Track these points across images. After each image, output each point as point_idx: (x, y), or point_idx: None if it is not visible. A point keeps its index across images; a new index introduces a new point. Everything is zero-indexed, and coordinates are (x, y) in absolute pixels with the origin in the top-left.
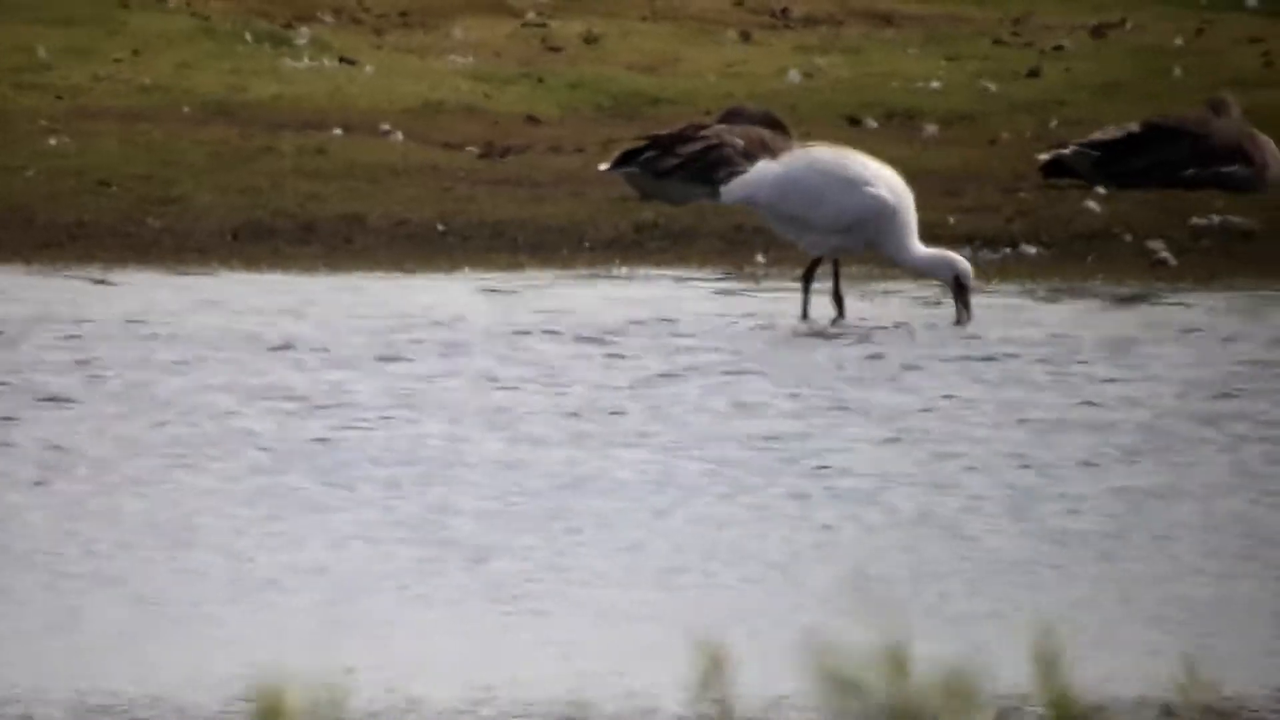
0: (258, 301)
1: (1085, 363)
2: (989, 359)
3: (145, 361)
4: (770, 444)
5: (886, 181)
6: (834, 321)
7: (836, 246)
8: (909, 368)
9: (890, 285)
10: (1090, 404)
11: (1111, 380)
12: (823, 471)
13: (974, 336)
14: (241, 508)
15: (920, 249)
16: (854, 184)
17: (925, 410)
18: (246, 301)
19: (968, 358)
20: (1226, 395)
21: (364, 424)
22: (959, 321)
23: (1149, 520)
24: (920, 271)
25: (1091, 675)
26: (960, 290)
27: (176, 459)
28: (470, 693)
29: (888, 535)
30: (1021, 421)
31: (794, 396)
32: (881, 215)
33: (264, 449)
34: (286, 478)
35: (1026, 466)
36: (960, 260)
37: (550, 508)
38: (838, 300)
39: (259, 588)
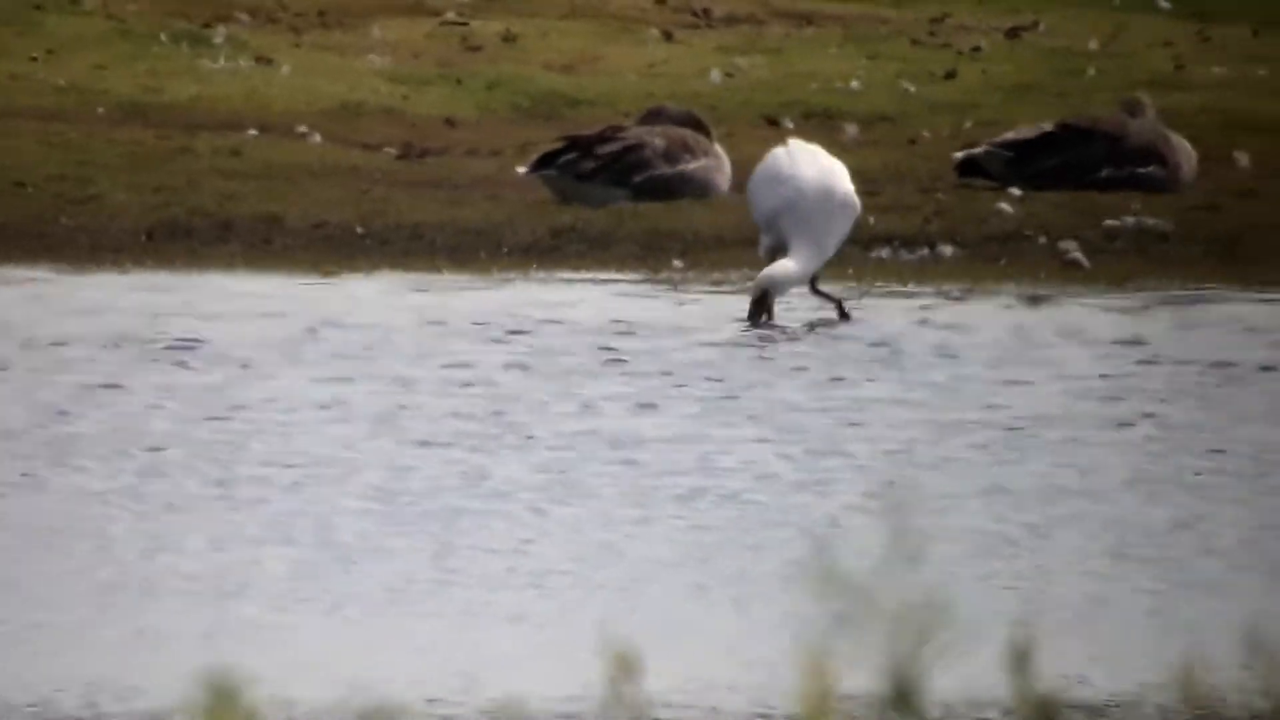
0: (167, 300)
1: (989, 365)
2: (896, 356)
3: (44, 360)
4: (670, 445)
5: (799, 181)
6: (841, 319)
7: (768, 245)
8: (799, 369)
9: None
10: (990, 406)
11: (1013, 382)
12: (717, 471)
13: (882, 342)
14: (122, 508)
15: (828, 253)
16: (769, 184)
17: (821, 410)
18: (155, 300)
19: (870, 358)
20: (1116, 397)
21: (259, 424)
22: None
23: (1025, 518)
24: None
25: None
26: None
27: (58, 459)
28: (347, 693)
29: (768, 534)
30: (912, 422)
31: (696, 399)
32: (789, 216)
33: (155, 449)
34: (174, 479)
35: (916, 466)
36: (771, 276)
37: (435, 509)
38: (826, 296)
39: (137, 590)
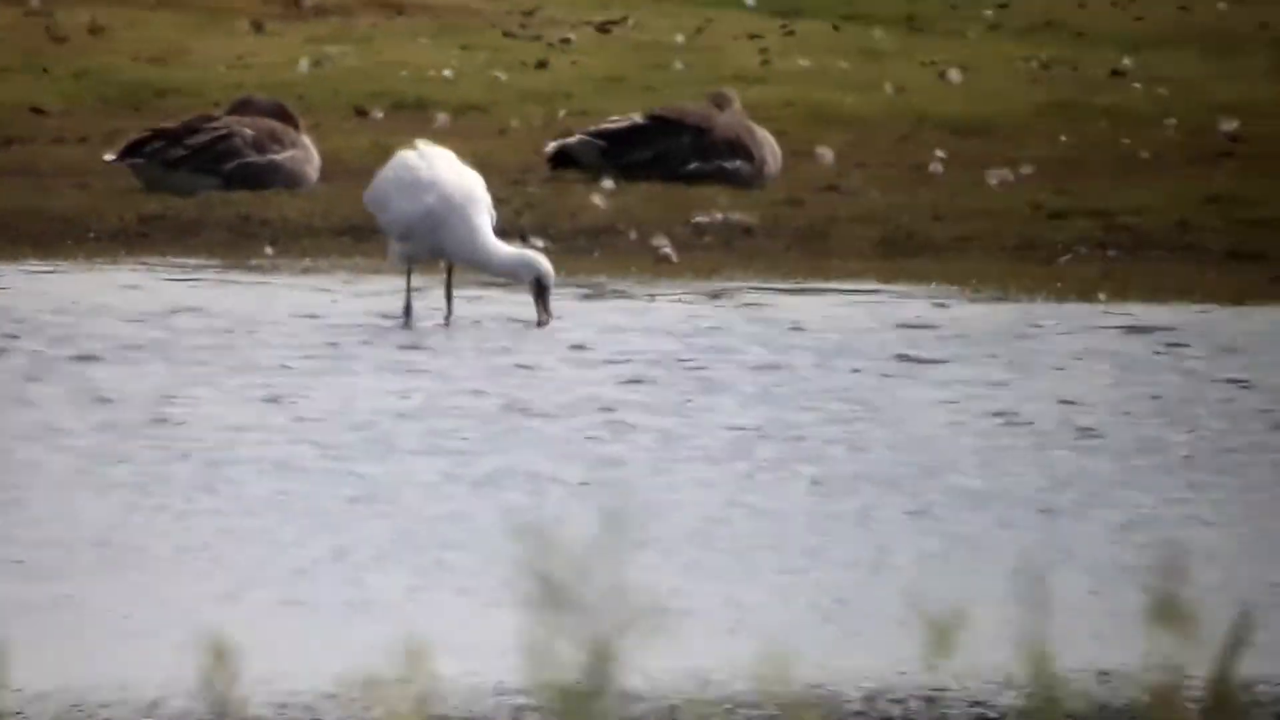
0: None
1: (559, 359)
2: (493, 354)
3: None
4: (236, 434)
5: (443, 186)
6: (445, 320)
7: (404, 253)
8: (401, 363)
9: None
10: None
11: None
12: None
13: (492, 342)
14: None
15: (499, 251)
16: (407, 190)
17: (403, 398)
18: None
19: (474, 350)
20: (646, 381)
21: None
22: (540, 323)
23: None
24: (500, 273)
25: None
26: (540, 291)
27: None
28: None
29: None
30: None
31: (270, 391)
32: (436, 222)
33: None
34: None
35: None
36: (541, 261)
37: None
38: (448, 298)
39: None
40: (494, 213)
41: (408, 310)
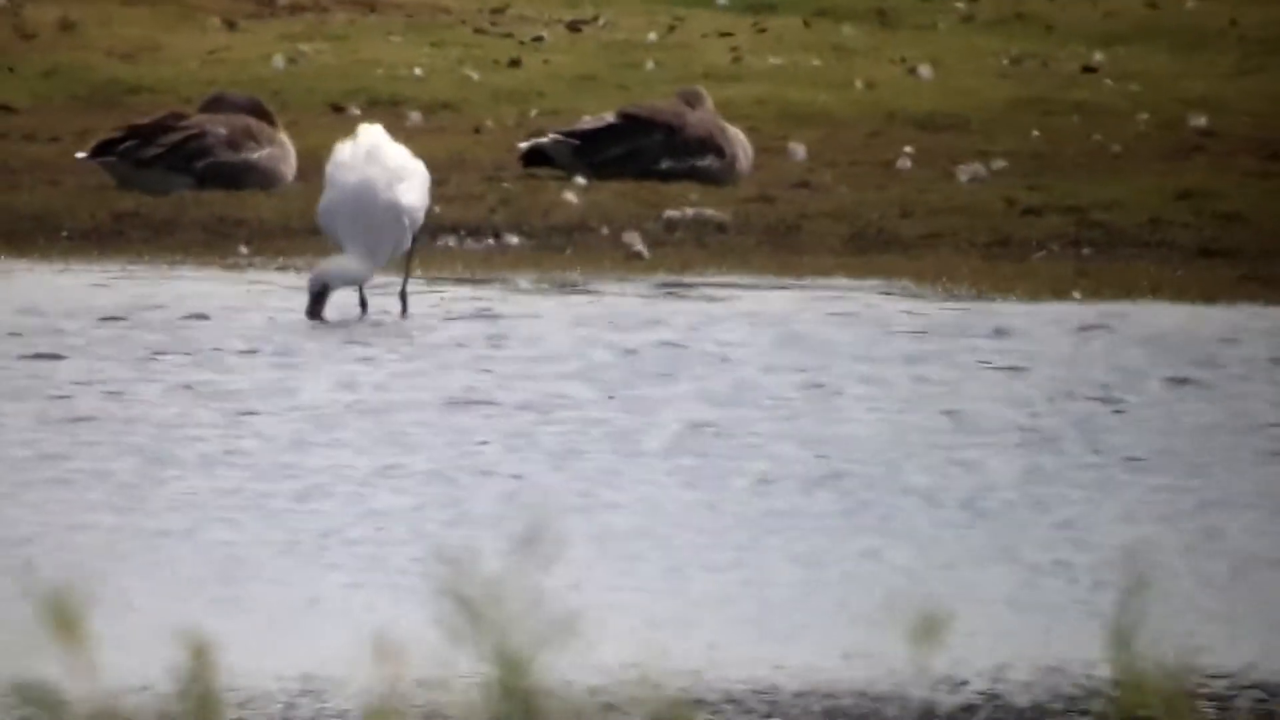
0: None
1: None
2: (435, 349)
3: None
4: (196, 433)
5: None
6: (401, 315)
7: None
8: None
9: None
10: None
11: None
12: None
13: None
14: None
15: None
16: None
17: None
18: None
19: (416, 347)
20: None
21: None
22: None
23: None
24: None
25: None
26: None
27: None
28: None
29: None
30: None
31: (232, 386)
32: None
33: None
34: None
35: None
36: (321, 267)
37: None
38: (402, 297)
39: None
40: (411, 210)
41: (364, 304)
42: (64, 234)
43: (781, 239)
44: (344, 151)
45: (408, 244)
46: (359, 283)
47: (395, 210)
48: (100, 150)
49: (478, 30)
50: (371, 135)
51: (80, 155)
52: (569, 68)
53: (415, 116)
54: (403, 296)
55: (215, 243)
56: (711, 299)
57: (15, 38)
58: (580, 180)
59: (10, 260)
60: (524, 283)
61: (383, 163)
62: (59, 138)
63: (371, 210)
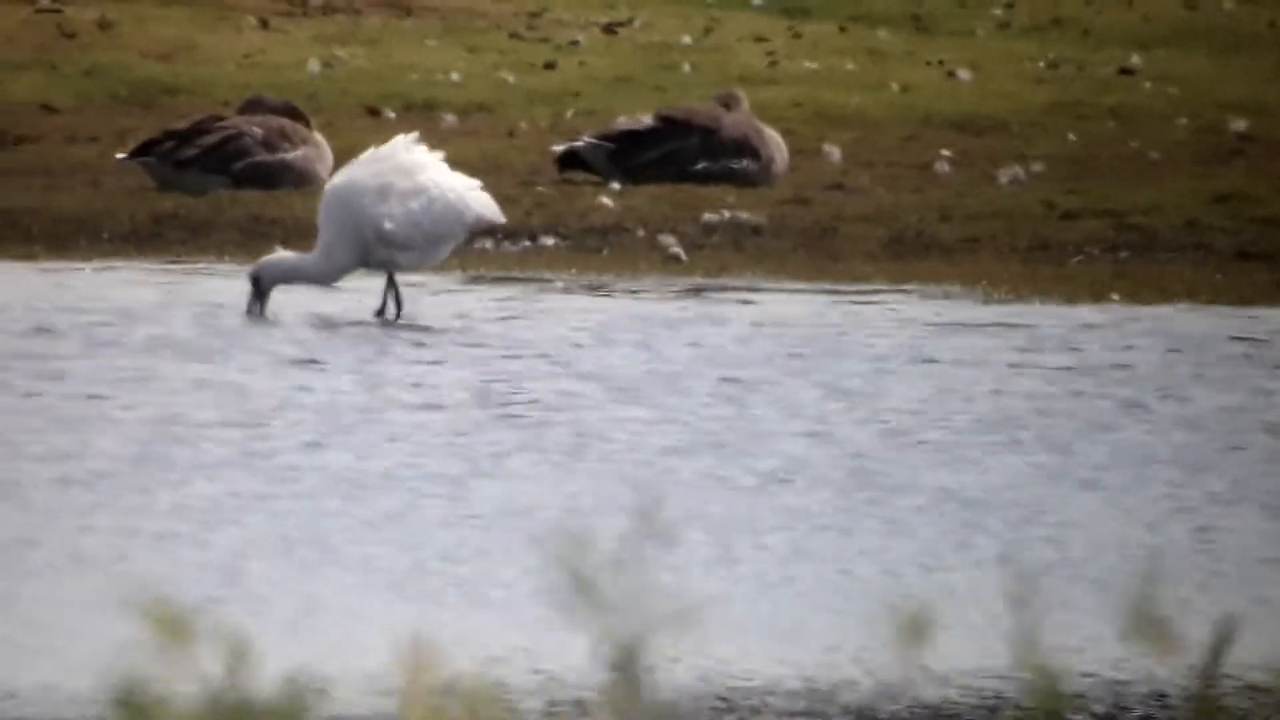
0: None
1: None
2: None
3: None
4: (198, 432)
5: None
6: (394, 317)
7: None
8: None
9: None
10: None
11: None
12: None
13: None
14: None
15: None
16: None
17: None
18: None
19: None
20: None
21: None
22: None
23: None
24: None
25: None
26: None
27: None
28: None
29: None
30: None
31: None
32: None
33: None
34: None
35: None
36: (260, 262)
37: None
38: (395, 295)
39: None
40: (382, 226)
41: (384, 309)
42: (105, 235)
43: (817, 242)
44: (384, 149)
45: (382, 260)
46: (307, 283)
47: (365, 226)
48: (139, 151)
49: (513, 35)
50: (418, 150)
51: (120, 156)
52: (605, 70)
53: (450, 119)
54: (393, 297)
55: (251, 243)
56: (746, 302)
57: (56, 36)
58: (615, 185)
59: (51, 261)
60: (559, 282)
61: (388, 173)
62: (98, 138)
63: (339, 212)
